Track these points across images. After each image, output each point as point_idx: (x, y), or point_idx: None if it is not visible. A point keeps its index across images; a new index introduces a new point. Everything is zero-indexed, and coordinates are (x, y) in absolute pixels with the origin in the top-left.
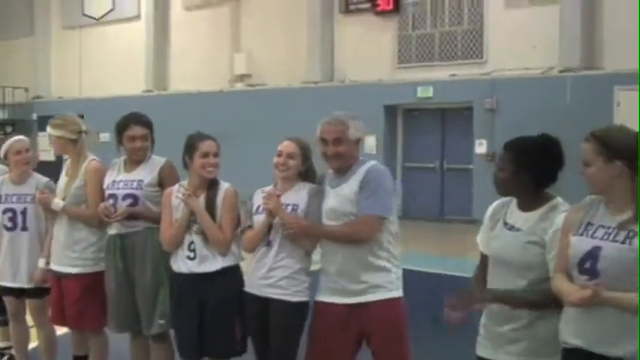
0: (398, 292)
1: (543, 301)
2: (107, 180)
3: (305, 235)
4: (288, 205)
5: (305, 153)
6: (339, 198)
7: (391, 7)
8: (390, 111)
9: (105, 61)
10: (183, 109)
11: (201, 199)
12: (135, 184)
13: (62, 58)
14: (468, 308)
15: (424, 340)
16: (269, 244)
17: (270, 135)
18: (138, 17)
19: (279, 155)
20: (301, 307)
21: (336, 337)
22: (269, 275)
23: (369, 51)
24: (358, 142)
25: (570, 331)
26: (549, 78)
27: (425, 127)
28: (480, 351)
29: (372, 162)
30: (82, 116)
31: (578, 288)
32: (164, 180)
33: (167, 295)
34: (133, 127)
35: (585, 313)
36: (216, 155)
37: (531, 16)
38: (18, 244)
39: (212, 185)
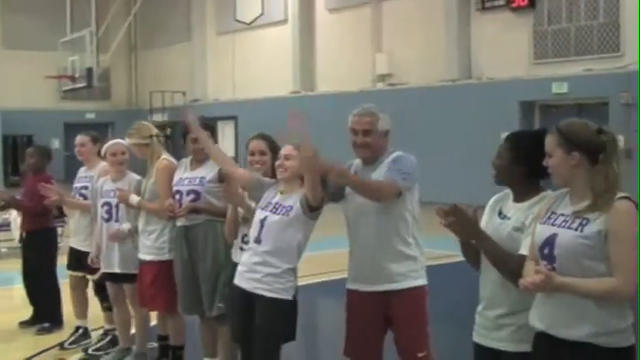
0: (422, 281)
1: (510, 270)
2: (175, 177)
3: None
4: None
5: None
6: None
7: (526, 2)
8: (526, 107)
9: (255, 64)
10: (328, 109)
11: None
12: (197, 180)
13: (217, 62)
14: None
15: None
16: (259, 242)
17: (410, 133)
18: (285, 21)
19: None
20: (283, 304)
21: (366, 323)
22: (255, 270)
23: (505, 47)
24: (387, 133)
25: (535, 315)
26: None
27: None
28: (475, 337)
29: (399, 152)
30: (235, 117)
31: (533, 273)
32: (224, 176)
33: (227, 281)
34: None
35: (546, 298)
36: (262, 154)
37: None
38: None
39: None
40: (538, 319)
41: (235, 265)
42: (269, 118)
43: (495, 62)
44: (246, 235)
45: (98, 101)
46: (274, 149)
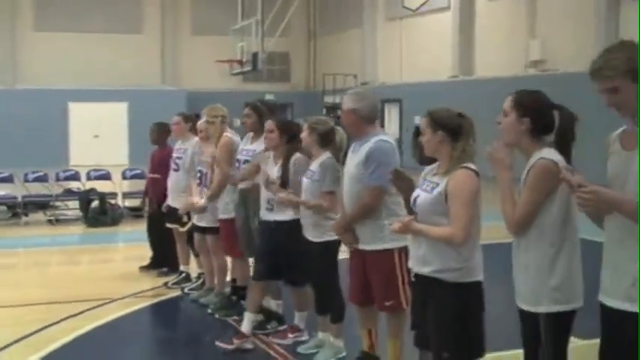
0: (391, 244)
1: None
2: (239, 148)
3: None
4: (311, 171)
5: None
6: (354, 164)
7: None
8: None
9: (419, 49)
10: (483, 94)
11: (279, 165)
12: (251, 152)
13: (385, 47)
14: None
15: None
16: None
17: None
18: (448, 8)
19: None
20: None
21: (354, 275)
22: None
23: None
24: (353, 112)
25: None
26: None
27: None
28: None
29: (379, 138)
30: (399, 100)
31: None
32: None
33: (258, 234)
34: (245, 109)
35: (412, 242)
36: (271, 131)
37: None
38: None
39: (288, 155)
40: (410, 260)
41: (261, 221)
42: (430, 101)
43: None
44: (271, 199)
45: (278, 83)
46: (282, 128)
